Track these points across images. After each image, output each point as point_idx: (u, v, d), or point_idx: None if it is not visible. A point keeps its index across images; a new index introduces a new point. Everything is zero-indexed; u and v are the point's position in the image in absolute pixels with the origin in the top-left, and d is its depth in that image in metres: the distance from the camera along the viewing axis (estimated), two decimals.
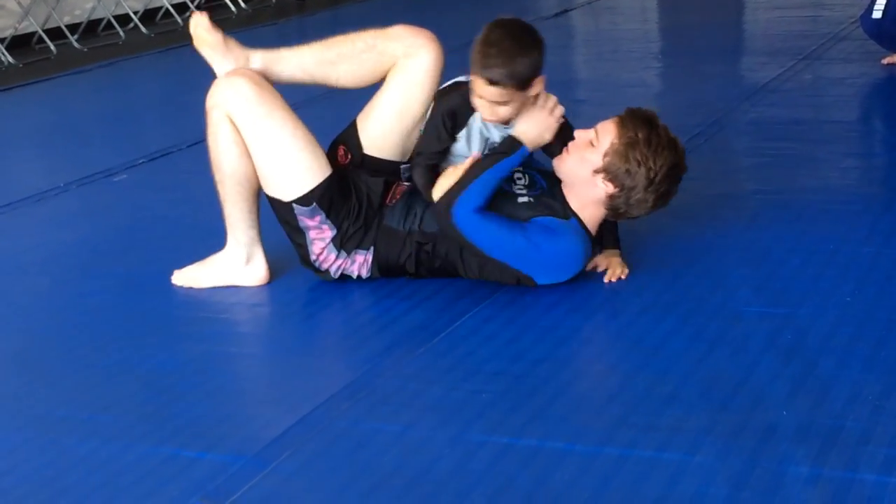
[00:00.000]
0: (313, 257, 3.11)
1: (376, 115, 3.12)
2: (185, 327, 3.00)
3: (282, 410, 2.49)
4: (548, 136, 3.00)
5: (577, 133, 3.00)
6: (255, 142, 3.06)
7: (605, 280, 3.00)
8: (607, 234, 3.09)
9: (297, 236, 3.11)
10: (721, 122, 4.51)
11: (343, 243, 3.08)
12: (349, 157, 3.14)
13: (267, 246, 3.22)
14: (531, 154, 3.03)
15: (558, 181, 3.04)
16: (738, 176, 3.84)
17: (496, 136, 3.02)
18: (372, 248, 3.09)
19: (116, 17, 8.54)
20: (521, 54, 2.85)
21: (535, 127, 2.98)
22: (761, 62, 5.68)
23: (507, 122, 2.98)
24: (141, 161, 4.72)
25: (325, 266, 3.11)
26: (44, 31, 7.98)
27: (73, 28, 8.30)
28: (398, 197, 3.10)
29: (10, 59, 7.53)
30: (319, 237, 3.08)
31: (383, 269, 3.10)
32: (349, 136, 3.16)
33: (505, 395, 2.47)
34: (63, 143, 5.37)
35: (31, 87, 6.78)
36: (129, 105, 6.26)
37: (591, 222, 3.00)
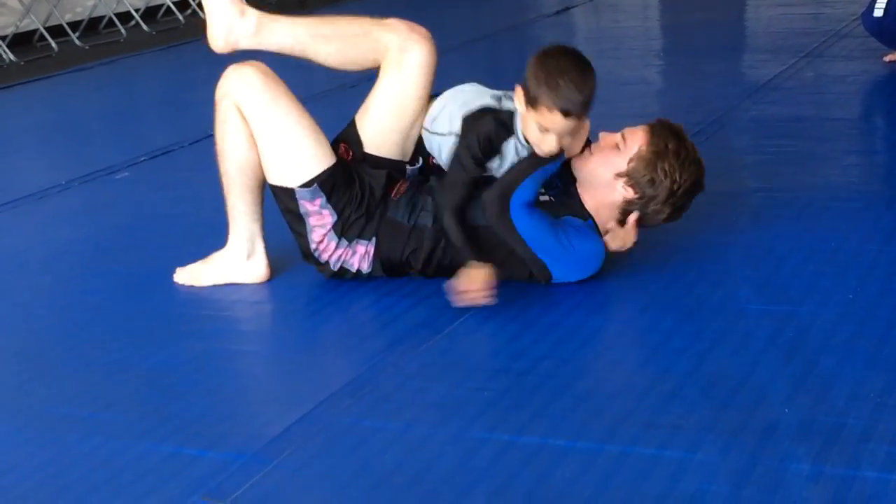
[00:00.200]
0: (313, 246, 3.10)
1: (373, 113, 3.12)
2: (187, 325, 3.00)
3: (283, 408, 2.49)
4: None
5: (603, 135, 3.00)
6: (260, 129, 3.06)
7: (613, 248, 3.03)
8: None
9: (298, 225, 3.11)
10: (722, 119, 4.51)
11: (344, 231, 3.08)
12: (350, 154, 3.14)
13: (268, 245, 3.22)
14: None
15: (572, 180, 3.03)
16: (740, 174, 3.84)
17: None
18: (374, 240, 3.09)
19: (118, 15, 8.55)
20: (589, 80, 2.81)
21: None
22: (763, 60, 5.68)
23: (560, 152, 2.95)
24: (142, 159, 4.72)
25: (325, 256, 3.11)
26: (45, 28, 7.98)
27: (74, 26, 8.30)
28: (402, 192, 3.11)
29: (12, 56, 7.54)
30: (320, 223, 3.08)
31: (385, 265, 3.10)
32: (349, 135, 3.16)
33: (506, 393, 2.47)
34: (64, 141, 5.37)
35: (33, 84, 6.79)
36: (130, 103, 6.27)
37: (603, 224, 3.00)
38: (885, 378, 2.37)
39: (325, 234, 3.09)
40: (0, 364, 2.89)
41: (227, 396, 2.59)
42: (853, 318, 2.68)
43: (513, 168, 2.93)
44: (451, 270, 3.06)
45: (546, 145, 2.86)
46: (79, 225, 3.95)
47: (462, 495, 2.09)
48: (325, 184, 3.05)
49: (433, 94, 3.15)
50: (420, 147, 3.15)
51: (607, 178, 2.96)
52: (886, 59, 5.20)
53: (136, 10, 8.65)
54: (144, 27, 8.54)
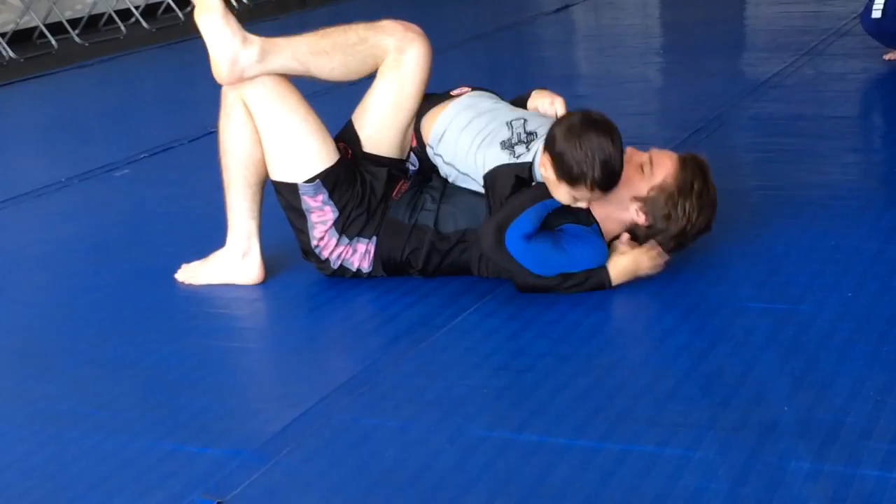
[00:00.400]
0: (314, 243, 3.10)
1: (371, 112, 3.12)
2: (187, 322, 3.00)
3: (283, 406, 2.49)
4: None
5: (631, 151, 2.96)
6: (266, 124, 3.07)
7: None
8: None
9: (300, 221, 3.11)
10: (722, 117, 4.51)
11: (345, 228, 3.08)
12: (349, 152, 3.14)
13: (267, 244, 3.22)
14: None
15: None
16: (740, 171, 3.84)
17: None
18: (374, 239, 3.09)
19: (118, 12, 8.55)
20: (622, 152, 2.81)
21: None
22: (763, 58, 5.68)
23: None
24: (142, 156, 4.72)
25: (325, 253, 3.11)
26: (45, 25, 7.98)
27: (74, 23, 8.30)
28: (404, 191, 3.11)
29: (12, 53, 7.53)
30: (321, 220, 3.08)
31: (386, 264, 3.10)
32: (347, 134, 3.16)
33: (506, 391, 2.47)
34: (64, 138, 5.37)
35: (33, 81, 6.78)
36: (130, 100, 6.26)
37: (606, 235, 2.99)
38: (885, 376, 2.37)
39: (326, 231, 3.09)
40: (0, 361, 2.89)
41: (227, 394, 2.59)
42: (853, 316, 2.68)
43: (514, 198, 2.91)
44: (451, 270, 3.07)
45: (577, 206, 2.89)
46: (78, 222, 3.95)
47: (462, 493, 2.09)
48: (329, 180, 3.05)
49: (434, 94, 3.14)
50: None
51: (624, 197, 2.94)
52: (886, 57, 5.20)
53: (136, 8, 8.65)
54: (144, 24, 8.54)
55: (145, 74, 7.01)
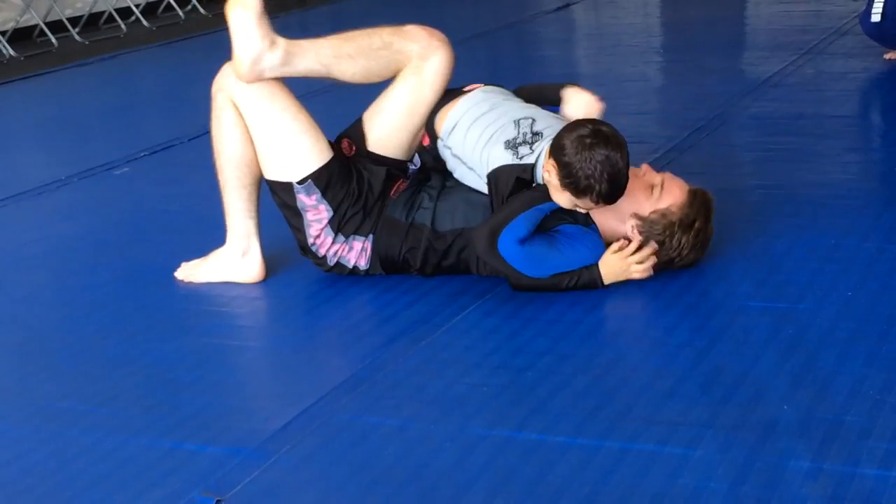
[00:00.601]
0: (310, 240, 3.11)
1: (384, 114, 3.11)
2: (187, 320, 3.00)
3: (283, 404, 2.49)
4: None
5: (646, 168, 2.99)
6: (257, 125, 3.06)
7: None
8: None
9: (295, 219, 3.11)
10: (723, 116, 4.51)
11: (340, 226, 3.08)
12: (353, 149, 3.14)
13: (267, 242, 3.22)
14: None
15: None
16: (740, 170, 3.84)
17: None
18: (371, 237, 3.09)
19: (118, 11, 8.55)
20: (627, 171, 2.80)
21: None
22: (763, 57, 5.68)
23: None
24: (142, 154, 4.72)
25: (322, 251, 3.11)
26: (45, 23, 7.98)
27: (74, 21, 8.30)
28: (402, 190, 3.11)
29: (12, 51, 7.53)
30: (316, 218, 3.08)
31: (384, 262, 3.10)
32: (354, 131, 3.15)
33: (506, 389, 2.47)
34: (64, 136, 5.37)
35: (33, 80, 6.78)
36: (130, 98, 6.26)
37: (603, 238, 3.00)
38: (885, 375, 2.38)
39: (321, 229, 3.09)
40: (0, 359, 2.89)
41: (227, 392, 2.59)
42: (853, 315, 2.68)
43: (510, 202, 2.90)
44: (449, 270, 3.07)
45: (579, 211, 2.90)
46: (78, 220, 3.95)
47: (461, 491, 2.09)
48: (321, 179, 3.05)
49: (449, 90, 3.13)
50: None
51: (625, 211, 2.94)
52: (886, 56, 5.20)
53: (137, 6, 8.65)
54: (144, 23, 8.53)
55: (145, 73, 7.01)
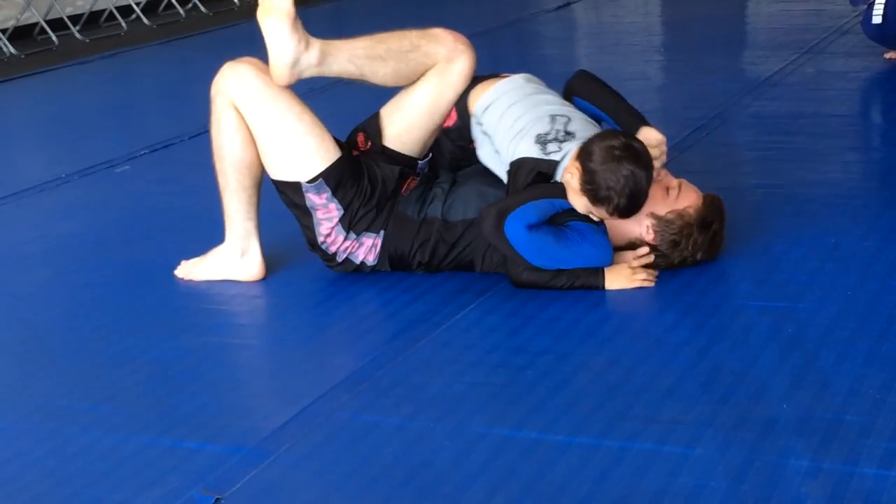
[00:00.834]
0: (321, 239, 3.11)
1: (404, 112, 3.11)
2: (187, 319, 3.00)
3: (282, 402, 2.49)
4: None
5: (664, 173, 3.00)
6: (260, 126, 3.06)
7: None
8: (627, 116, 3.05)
9: (305, 218, 3.11)
10: (723, 115, 4.51)
11: (352, 224, 3.09)
12: (369, 144, 3.14)
13: (267, 240, 3.22)
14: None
15: None
16: (740, 169, 3.84)
17: None
18: (382, 233, 3.09)
19: (119, 8, 8.54)
20: (647, 191, 2.82)
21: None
22: (764, 56, 5.68)
23: None
24: (143, 152, 4.72)
25: (332, 248, 3.11)
26: (46, 21, 7.97)
27: (75, 19, 8.29)
28: (413, 188, 3.12)
29: (13, 49, 7.53)
30: (326, 217, 3.08)
31: (392, 258, 3.11)
32: (371, 126, 3.15)
33: (505, 388, 2.47)
34: (65, 134, 5.37)
35: (33, 77, 6.78)
36: (130, 96, 6.26)
37: (612, 240, 2.99)
38: (884, 374, 2.38)
39: (332, 228, 3.09)
40: (0, 357, 2.89)
41: (227, 390, 2.59)
42: (852, 314, 2.68)
43: (526, 189, 2.92)
44: (455, 266, 3.07)
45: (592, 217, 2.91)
46: (78, 218, 3.95)
47: (460, 490, 2.09)
48: (331, 178, 3.05)
49: (482, 75, 3.13)
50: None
51: (642, 211, 2.93)
52: (887, 56, 5.20)
53: (137, 4, 8.64)
54: (145, 21, 8.53)
55: (146, 71, 7.01)
